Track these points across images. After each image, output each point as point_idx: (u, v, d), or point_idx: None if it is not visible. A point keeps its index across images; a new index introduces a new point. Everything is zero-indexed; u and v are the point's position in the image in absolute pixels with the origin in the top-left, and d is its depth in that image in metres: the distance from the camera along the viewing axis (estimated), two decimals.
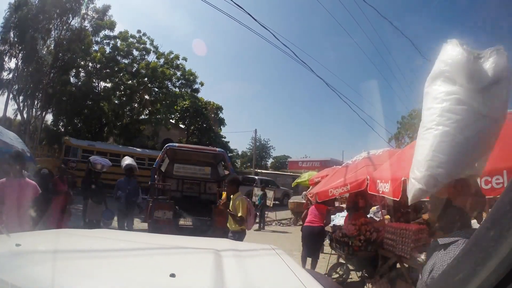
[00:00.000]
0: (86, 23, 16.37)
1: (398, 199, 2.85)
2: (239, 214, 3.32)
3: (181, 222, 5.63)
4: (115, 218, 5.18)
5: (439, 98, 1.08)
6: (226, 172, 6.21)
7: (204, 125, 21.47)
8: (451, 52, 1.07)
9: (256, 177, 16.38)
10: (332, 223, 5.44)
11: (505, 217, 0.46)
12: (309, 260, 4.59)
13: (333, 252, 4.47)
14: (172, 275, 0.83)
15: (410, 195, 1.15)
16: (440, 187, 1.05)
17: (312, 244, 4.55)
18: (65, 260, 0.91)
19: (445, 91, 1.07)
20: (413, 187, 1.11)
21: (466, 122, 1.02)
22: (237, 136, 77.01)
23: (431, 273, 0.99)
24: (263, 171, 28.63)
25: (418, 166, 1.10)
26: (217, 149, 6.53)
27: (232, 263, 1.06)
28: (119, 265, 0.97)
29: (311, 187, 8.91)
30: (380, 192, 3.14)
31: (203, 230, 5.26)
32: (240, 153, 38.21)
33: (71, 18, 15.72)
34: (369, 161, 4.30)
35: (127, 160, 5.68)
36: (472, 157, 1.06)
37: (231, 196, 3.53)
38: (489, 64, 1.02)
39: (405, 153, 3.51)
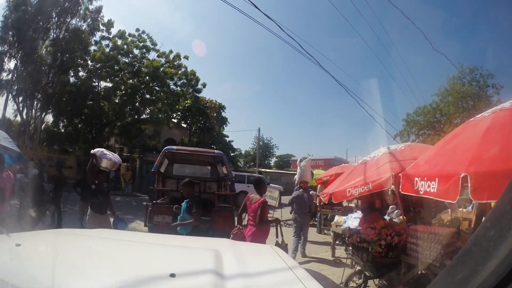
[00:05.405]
0: (83, 23, 16.91)
1: (454, 201, 2.43)
2: None
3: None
4: None
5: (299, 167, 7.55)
6: (225, 172, 6.41)
7: (207, 124, 21.75)
8: (302, 162, 7.64)
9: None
10: (345, 226, 5.39)
11: (505, 217, 0.48)
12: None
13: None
14: (172, 275, 0.87)
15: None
16: (299, 181, 6.94)
17: None
18: (65, 260, 0.96)
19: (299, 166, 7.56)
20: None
21: (299, 170, 7.50)
22: (240, 135, 77.88)
23: None
24: (267, 170, 28.81)
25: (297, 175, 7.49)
26: (216, 151, 6.84)
27: (232, 263, 1.11)
28: (119, 265, 1.02)
29: (319, 186, 8.88)
30: (421, 192, 2.70)
31: (202, 230, 5.44)
32: (243, 152, 38.58)
33: (69, 18, 16.25)
34: (392, 157, 4.08)
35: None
36: (303, 177, 7.11)
37: None
38: (303, 162, 7.47)
39: (448, 144, 2.98)
